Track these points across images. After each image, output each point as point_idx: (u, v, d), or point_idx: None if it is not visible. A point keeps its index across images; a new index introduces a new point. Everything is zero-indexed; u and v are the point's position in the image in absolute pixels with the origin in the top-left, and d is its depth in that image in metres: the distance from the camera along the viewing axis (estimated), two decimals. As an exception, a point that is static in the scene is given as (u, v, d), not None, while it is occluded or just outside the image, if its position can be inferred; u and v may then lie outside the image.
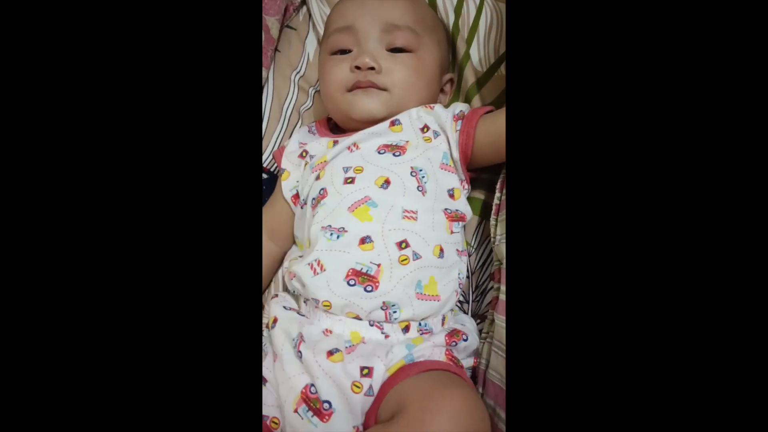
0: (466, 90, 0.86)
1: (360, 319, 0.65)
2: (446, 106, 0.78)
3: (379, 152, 0.72)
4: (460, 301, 0.76)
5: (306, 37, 0.97)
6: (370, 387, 0.61)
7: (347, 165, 0.71)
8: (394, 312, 0.64)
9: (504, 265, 0.68)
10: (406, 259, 0.65)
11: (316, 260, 0.66)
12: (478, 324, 0.74)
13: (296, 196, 0.78)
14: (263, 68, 0.90)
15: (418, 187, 0.69)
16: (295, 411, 0.60)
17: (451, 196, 0.71)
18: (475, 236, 0.81)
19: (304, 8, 0.99)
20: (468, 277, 0.77)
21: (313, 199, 0.71)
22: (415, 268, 0.65)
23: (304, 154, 0.78)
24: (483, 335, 0.71)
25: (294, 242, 0.79)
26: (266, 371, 0.66)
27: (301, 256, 0.72)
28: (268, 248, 0.79)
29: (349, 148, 0.74)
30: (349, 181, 0.70)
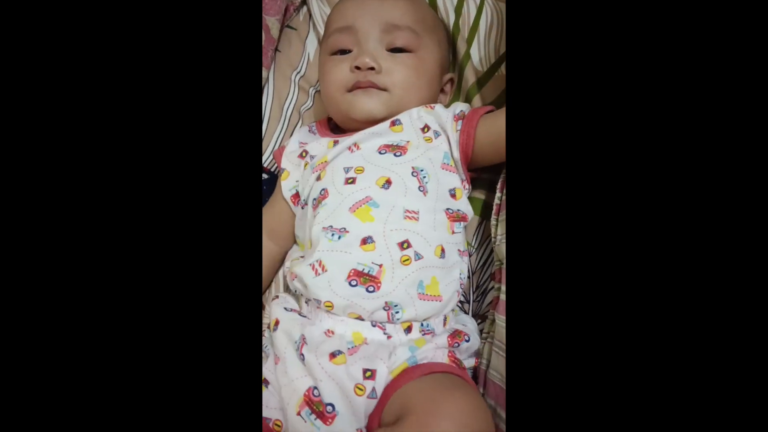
0: (466, 90, 0.86)
1: (362, 320, 0.65)
2: (447, 106, 0.78)
3: (380, 152, 0.72)
4: (460, 301, 0.76)
5: (306, 37, 0.97)
6: (373, 389, 0.61)
7: (348, 165, 0.71)
8: (397, 312, 0.64)
9: (504, 265, 0.68)
10: (408, 260, 0.65)
11: (317, 261, 0.66)
12: (478, 324, 0.74)
13: (296, 195, 0.77)
14: (264, 68, 0.90)
15: (419, 188, 0.69)
16: (298, 414, 0.60)
17: (453, 195, 0.71)
18: (475, 236, 0.81)
19: (305, 8, 0.99)
20: (469, 277, 0.77)
21: (314, 199, 0.71)
22: (416, 268, 0.65)
23: (304, 154, 0.78)
24: (484, 335, 0.71)
25: (294, 242, 0.79)
26: (268, 373, 0.66)
27: (302, 257, 0.72)
28: (268, 248, 0.79)
29: (349, 148, 0.74)
30: (350, 181, 0.70)
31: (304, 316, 0.68)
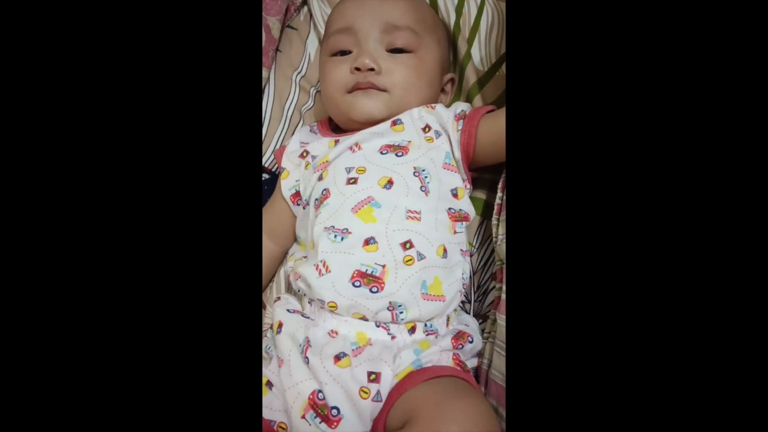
0: (467, 90, 0.86)
1: (366, 320, 0.65)
2: (447, 106, 0.78)
3: (381, 152, 0.72)
4: (462, 301, 0.75)
5: (307, 37, 0.97)
6: (378, 392, 0.61)
7: (350, 165, 0.71)
8: (401, 312, 0.64)
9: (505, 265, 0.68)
10: (411, 260, 0.65)
11: (321, 261, 0.66)
12: (480, 324, 0.74)
13: (295, 195, 0.77)
14: (265, 68, 0.90)
15: (421, 188, 0.69)
16: (303, 417, 0.60)
17: (455, 195, 0.71)
18: (476, 236, 0.81)
19: (305, 8, 0.99)
20: (470, 277, 0.77)
21: (316, 199, 0.71)
22: (419, 268, 0.65)
23: (305, 154, 0.78)
24: (485, 335, 0.71)
25: (295, 241, 0.79)
26: (272, 376, 0.65)
27: (305, 257, 0.72)
28: (268, 247, 0.79)
29: (351, 148, 0.73)
30: (352, 181, 0.70)
31: (308, 317, 0.68)
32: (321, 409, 0.60)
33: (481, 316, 0.76)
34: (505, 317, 0.65)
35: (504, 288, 0.67)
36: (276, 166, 0.88)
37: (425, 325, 0.66)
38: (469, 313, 0.77)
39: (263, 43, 0.88)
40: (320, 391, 0.61)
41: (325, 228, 0.67)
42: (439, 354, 0.65)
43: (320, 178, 0.73)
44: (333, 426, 0.59)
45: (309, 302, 0.69)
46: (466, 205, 0.72)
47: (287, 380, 0.63)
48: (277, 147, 0.89)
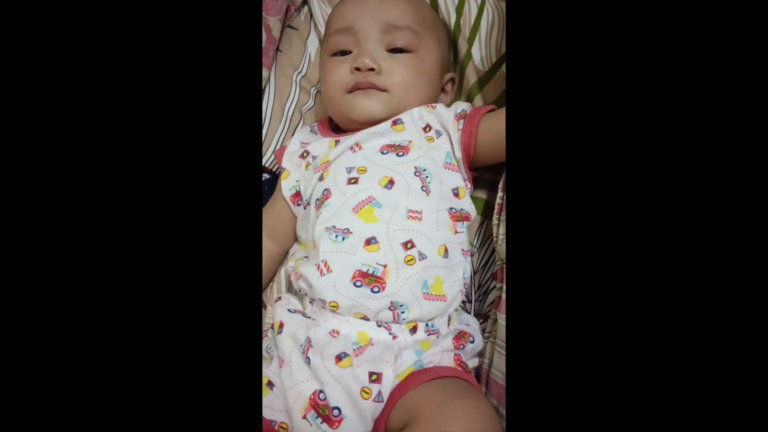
0: (467, 89, 0.86)
1: (367, 320, 0.65)
2: (448, 106, 0.78)
3: (382, 152, 0.72)
4: (463, 301, 0.75)
5: (307, 36, 0.97)
6: (379, 393, 0.61)
7: (350, 165, 0.71)
8: (402, 312, 0.64)
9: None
10: (412, 260, 0.65)
11: (323, 261, 0.66)
12: (481, 324, 0.74)
13: (296, 195, 0.77)
14: (265, 68, 0.90)
15: (422, 187, 0.69)
16: (304, 417, 0.60)
17: (456, 195, 0.71)
18: (477, 236, 0.81)
19: (306, 8, 0.99)
20: (471, 276, 0.77)
21: (317, 199, 0.71)
22: (421, 268, 0.65)
23: (305, 154, 0.78)
24: (486, 335, 0.71)
25: (296, 241, 0.79)
26: (273, 376, 0.65)
27: (306, 257, 0.72)
28: (268, 247, 0.79)
29: (351, 148, 0.73)
30: (353, 181, 0.70)
31: (309, 317, 0.68)
32: (322, 410, 0.60)
33: (482, 316, 0.76)
34: (505, 317, 0.65)
35: (504, 288, 0.67)
36: (276, 166, 0.88)
37: (427, 324, 0.66)
38: (470, 313, 0.77)
39: (264, 43, 0.88)
40: (321, 391, 0.61)
41: (326, 228, 0.67)
42: (441, 354, 0.65)
43: (321, 179, 0.73)
44: (334, 426, 0.59)
45: (310, 302, 0.69)
46: (467, 204, 0.72)
47: (288, 380, 0.63)
48: (278, 147, 0.89)
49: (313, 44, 0.97)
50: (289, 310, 0.70)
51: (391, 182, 0.69)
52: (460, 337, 0.67)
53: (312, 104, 0.94)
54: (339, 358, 0.62)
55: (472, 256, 0.77)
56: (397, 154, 0.71)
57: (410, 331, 0.65)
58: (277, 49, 0.95)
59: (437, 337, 0.67)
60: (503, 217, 0.70)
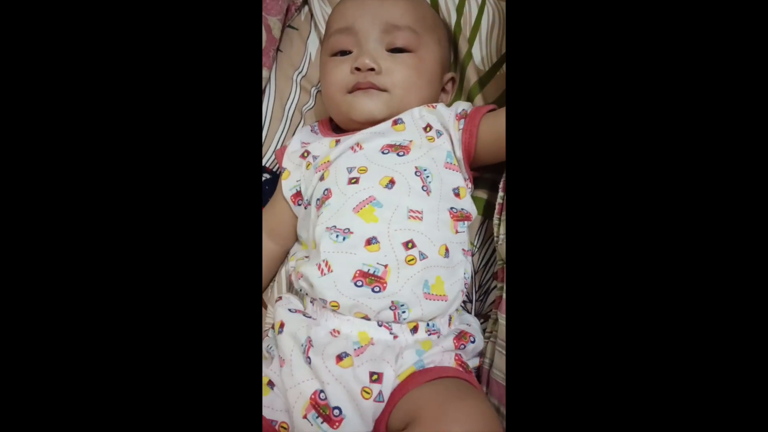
0: (468, 89, 0.86)
1: (368, 320, 0.65)
2: (448, 105, 0.78)
3: (382, 152, 0.72)
4: (463, 301, 0.75)
5: (308, 36, 0.97)
6: (380, 393, 0.61)
7: (351, 165, 0.71)
8: (403, 312, 0.64)
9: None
10: (413, 259, 0.65)
11: (323, 261, 0.66)
12: (482, 323, 0.74)
13: (296, 195, 0.77)
14: (265, 68, 0.90)
15: (422, 187, 0.69)
16: (305, 417, 0.60)
17: (457, 195, 0.71)
18: (478, 236, 0.81)
19: (306, 8, 0.99)
20: (472, 276, 0.77)
21: (318, 199, 0.71)
22: (421, 268, 0.65)
23: (306, 154, 0.78)
24: (486, 335, 0.71)
25: (296, 241, 0.79)
26: (274, 376, 0.65)
27: (307, 257, 0.72)
28: (269, 247, 0.79)
29: (352, 148, 0.73)
30: (354, 181, 0.70)
31: (309, 317, 0.68)
32: (323, 409, 0.60)
33: (483, 316, 0.76)
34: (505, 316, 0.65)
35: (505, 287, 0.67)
36: (277, 166, 0.88)
37: (427, 324, 0.66)
38: (470, 313, 0.77)
39: (264, 43, 0.89)
40: (322, 391, 0.61)
41: (327, 228, 0.67)
42: (441, 354, 0.65)
43: (322, 178, 0.73)
44: (335, 426, 0.59)
45: (311, 302, 0.69)
46: (467, 204, 0.72)
47: (289, 380, 0.63)
48: (278, 147, 0.89)
49: (313, 44, 0.97)
50: (289, 310, 0.70)
51: (391, 182, 0.69)
52: (461, 337, 0.67)
53: (312, 104, 0.94)
54: (340, 357, 0.62)
55: (472, 255, 0.77)
56: (398, 154, 0.71)
57: (411, 330, 0.65)
58: (278, 49, 0.95)
59: (438, 336, 0.67)
60: (504, 217, 0.70)
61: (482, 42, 0.86)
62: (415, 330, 0.66)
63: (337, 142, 0.76)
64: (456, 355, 0.66)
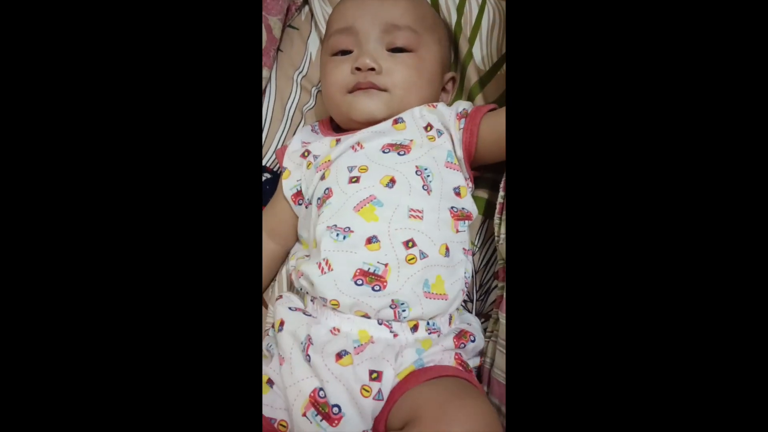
0: (468, 89, 0.86)
1: (368, 318, 0.65)
2: (449, 105, 0.78)
3: (383, 151, 0.72)
4: (464, 301, 0.76)
5: (308, 36, 0.97)
6: (380, 391, 0.61)
7: (352, 164, 0.71)
8: (404, 311, 0.64)
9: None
10: (413, 258, 0.65)
11: (324, 259, 0.66)
12: (482, 323, 0.74)
13: (296, 194, 0.78)
14: (266, 68, 0.90)
15: (423, 186, 0.69)
16: (304, 415, 0.60)
17: (457, 194, 0.71)
18: (478, 235, 0.81)
19: (306, 8, 0.99)
20: (472, 276, 0.77)
21: (319, 198, 0.71)
22: (422, 267, 0.65)
23: (306, 153, 0.78)
24: (487, 334, 0.71)
25: (297, 241, 0.79)
26: (273, 374, 0.65)
27: (307, 256, 0.72)
28: (269, 247, 0.79)
29: (353, 147, 0.74)
30: (354, 180, 0.70)
31: (309, 315, 0.68)
32: (322, 407, 0.60)
33: (484, 315, 0.76)
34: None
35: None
36: (277, 165, 0.88)
37: (428, 323, 0.66)
38: (471, 312, 0.77)
39: (264, 43, 0.89)
40: (321, 389, 0.61)
41: (328, 227, 0.67)
42: (441, 353, 0.65)
43: (322, 178, 0.73)
44: (334, 424, 0.59)
45: (311, 300, 0.69)
46: (468, 203, 0.72)
47: (288, 378, 0.63)
48: (279, 147, 0.90)
49: (313, 44, 0.97)
50: (289, 308, 0.70)
51: (392, 181, 0.69)
52: (461, 336, 0.67)
53: (313, 104, 0.94)
54: (339, 356, 0.62)
55: (473, 255, 0.77)
56: (399, 153, 0.71)
57: (411, 329, 0.65)
58: (278, 49, 0.95)
59: (438, 335, 0.67)
60: (505, 217, 0.70)
61: (482, 42, 0.86)
62: (415, 329, 0.66)
63: (338, 141, 0.76)
64: (456, 354, 0.66)
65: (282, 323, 0.68)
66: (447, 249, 0.67)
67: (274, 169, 0.89)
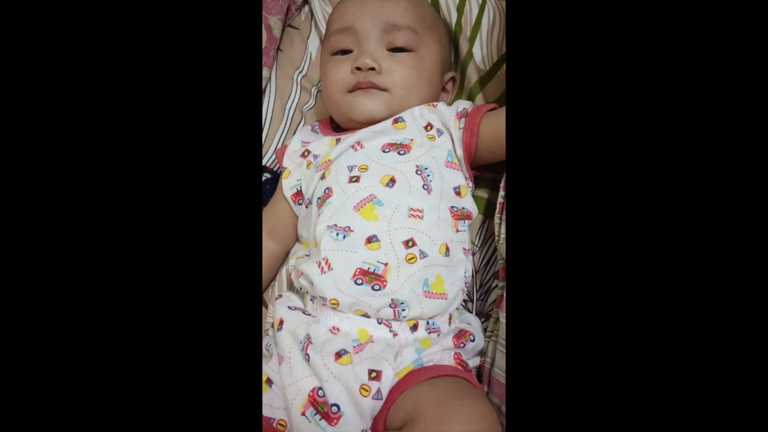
0: (469, 88, 0.86)
1: (368, 317, 0.65)
2: (449, 105, 0.78)
3: (383, 151, 0.72)
4: (464, 300, 0.76)
5: (308, 36, 0.97)
6: (378, 390, 0.61)
7: (352, 164, 0.71)
8: (403, 310, 0.64)
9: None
10: (413, 258, 0.65)
11: (324, 259, 0.66)
12: (482, 323, 0.74)
13: (296, 194, 0.78)
14: (266, 68, 0.90)
15: (423, 186, 0.69)
16: (303, 414, 0.60)
17: (457, 193, 0.71)
18: (479, 235, 0.81)
19: (306, 7, 0.99)
20: (473, 275, 0.77)
21: (319, 198, 0.71)
22: (422, 266, 0.65)
23: (306, 153, 0.78)
24: (488, 334, 0.71)
25: (297, 240, 0.79)
26: (272, 373, 0.65)
27: (307, 255, 0.72)
28: (269, 247, 0.79)
29: (353, 146, 0.74)
30: (354, 179, 0.70)
31: (309, 314, 0.68)
32: (321, 407, 0.60)
33: (484, 315, 0.76)
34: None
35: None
36: (277, 165, 0.88)
37: (427, 323, 0.66)
38: (471, 312, 0.77)
39: (264, 43, 0.89)
40: (320, 388, 0.61)
41: (328, 226, 0.67)
42: (441, 353, 0.65)
43: (322, 177, 0.73)
44: (333, 423, 0.59)
45: (311, 299, 0.69)
46: (468, 203, 0.72)
47: (287, 377, 0.63)
48: (279, 146, 0.90)
49: (314, 44, 0.97)
50: (289, 308, 0.70)
51: (392, 180, 0.69)
52: (461, 335, 0.67)
53: (313, 104, 0.94)
54: (338, 355, 0.62)
55: (473, 254, 0.77)
56: (399, 153, 0.71)
57: (411, 328, 0.65)
58: (278, 49, 0.95)
59: (438, 335, 0.67)
60: (505, 216, 0.70)
61: (483, 41, 0.86)
62: (414, 328, 0.66)
63: (338, 140, 0.76)
64: (455, 353, 0.66)
65: (281, 322, 0.68)
66: (447, 248, 0.67)
67: (274, 169, 0.89)
